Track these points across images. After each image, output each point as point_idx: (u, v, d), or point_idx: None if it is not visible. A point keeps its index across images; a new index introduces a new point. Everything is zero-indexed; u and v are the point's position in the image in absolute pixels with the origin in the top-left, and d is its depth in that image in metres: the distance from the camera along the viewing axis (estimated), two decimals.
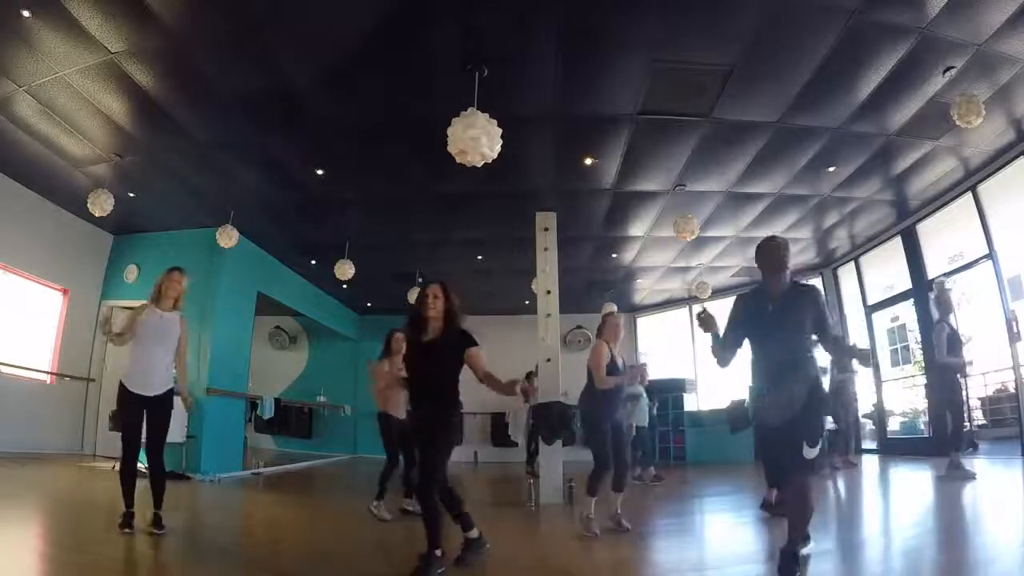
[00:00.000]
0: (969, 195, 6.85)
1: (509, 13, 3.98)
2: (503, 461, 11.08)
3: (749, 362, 2.74)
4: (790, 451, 2.48)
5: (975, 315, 7.49)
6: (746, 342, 2.72)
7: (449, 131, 4.07)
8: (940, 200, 7.31)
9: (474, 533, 3.05)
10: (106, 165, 5.97)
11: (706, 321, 2.77)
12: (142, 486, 3.47)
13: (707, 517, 4.79)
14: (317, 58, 4.39)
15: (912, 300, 8.11)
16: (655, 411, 8.32)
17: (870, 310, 9.17)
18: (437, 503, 2.88)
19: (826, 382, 7.16)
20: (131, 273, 7.80)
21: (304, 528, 4.22)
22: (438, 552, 2.75)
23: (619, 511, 3.94)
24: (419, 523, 2.87)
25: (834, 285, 10.09)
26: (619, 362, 4.07)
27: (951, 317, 5.59)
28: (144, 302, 3.77)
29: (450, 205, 7.07)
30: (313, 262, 9.17)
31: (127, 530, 3.33)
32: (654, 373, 5.42)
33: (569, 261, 8.02)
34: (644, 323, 12.96)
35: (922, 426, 8.49)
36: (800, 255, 9.38)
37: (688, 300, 11.77)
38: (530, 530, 4.35)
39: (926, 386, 5.80)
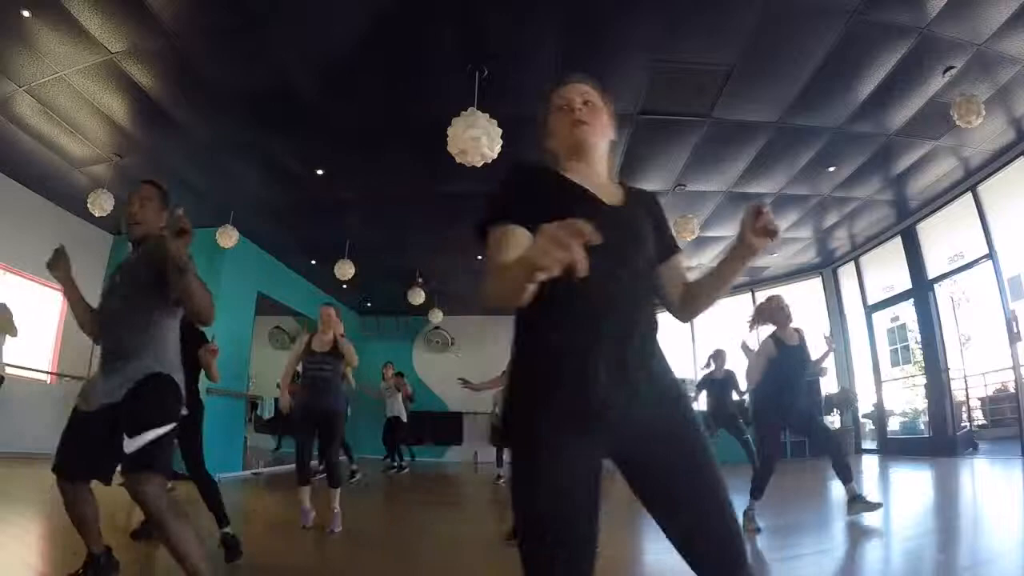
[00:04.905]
0: (969, 195, 6.85)
1: (509, 13, 3.98)
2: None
3: None
4: None
5: (976, 315, 7.50)
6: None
7: (449, 131, 4.08)
8: (940, 200, 7.31)
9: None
10: (106, 165, 5.97)
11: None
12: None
13: None
14: (317, 58, 4.39)
15: (912, 300, 8.12)
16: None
17: (870, 310, 9.18)
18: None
19: None
20: None
21: (302, 528, 4.21)
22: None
23: None
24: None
25: (834, 285, 10.10)
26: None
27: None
28: None
29: (450, 205, 7.07)
30: (313, 262, 9.17)
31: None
32: None
33: None
34: None
35: (922, 426, 8.50)
36: (800, 255, 9.39)
37: None
38: None
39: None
